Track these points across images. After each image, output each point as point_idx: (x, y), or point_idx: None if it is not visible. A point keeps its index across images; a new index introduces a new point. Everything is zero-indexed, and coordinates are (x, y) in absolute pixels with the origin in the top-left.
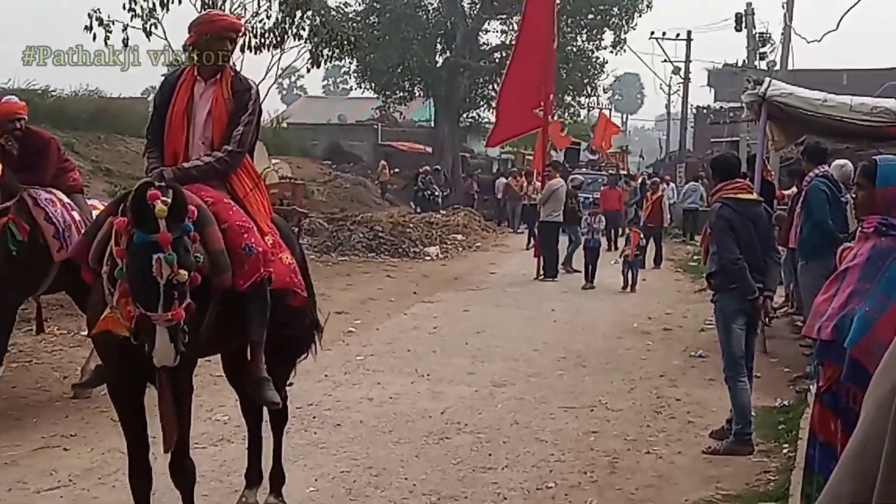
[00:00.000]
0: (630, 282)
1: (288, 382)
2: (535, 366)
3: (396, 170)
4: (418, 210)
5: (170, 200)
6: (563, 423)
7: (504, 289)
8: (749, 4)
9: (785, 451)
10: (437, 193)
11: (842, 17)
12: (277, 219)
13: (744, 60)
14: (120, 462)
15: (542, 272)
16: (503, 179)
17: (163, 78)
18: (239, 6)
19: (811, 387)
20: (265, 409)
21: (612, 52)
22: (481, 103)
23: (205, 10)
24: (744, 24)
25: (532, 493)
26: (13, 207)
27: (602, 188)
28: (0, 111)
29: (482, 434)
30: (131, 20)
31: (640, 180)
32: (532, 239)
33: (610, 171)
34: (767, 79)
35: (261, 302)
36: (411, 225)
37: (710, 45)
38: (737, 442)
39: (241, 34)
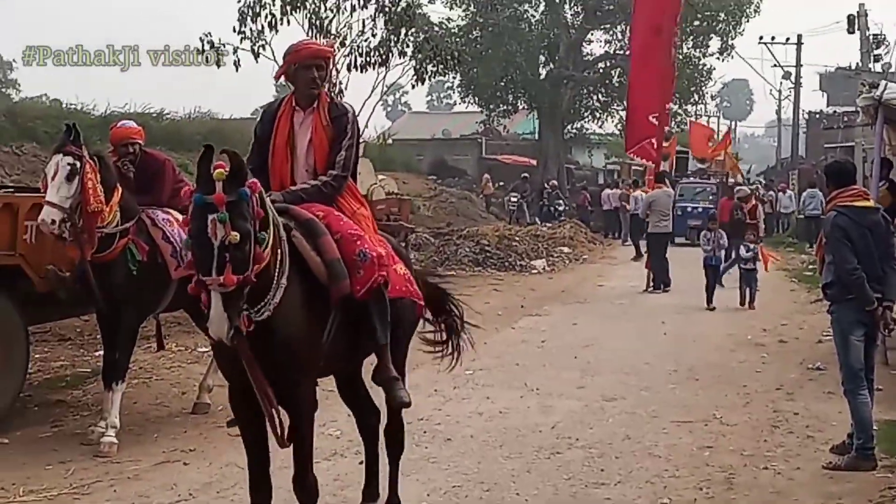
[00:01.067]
0: (748, 298)
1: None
2: (646, 379)
3: (501, 183)
4: (543, 224)
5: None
6: (676, 437)
7: (612, 301)
8: (862, 5)
9: None
10: (561, 208)
11: None
12: (386, 235)
13: (857, 63)
14: (238, 476)
15: (651, 284)
16: (609, 190)
17: (262, 110)
18: (345, 26)
19: None
20: (380, 430)
21: (719, 58)
22: (586, 114)
23: (312, 30)
24: (857, 26)
25: None
26: (132, 228)
27: (721, 199)
28: (115, 136)
29: (594, 449)
30: (241, 42)
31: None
32: (638, 250)
33: (718, 180)
34: (883, 81)
35: (381, 305)
36: (517, 238)
37: (821, 48)
38: (859, 457)
39: (330, 59)
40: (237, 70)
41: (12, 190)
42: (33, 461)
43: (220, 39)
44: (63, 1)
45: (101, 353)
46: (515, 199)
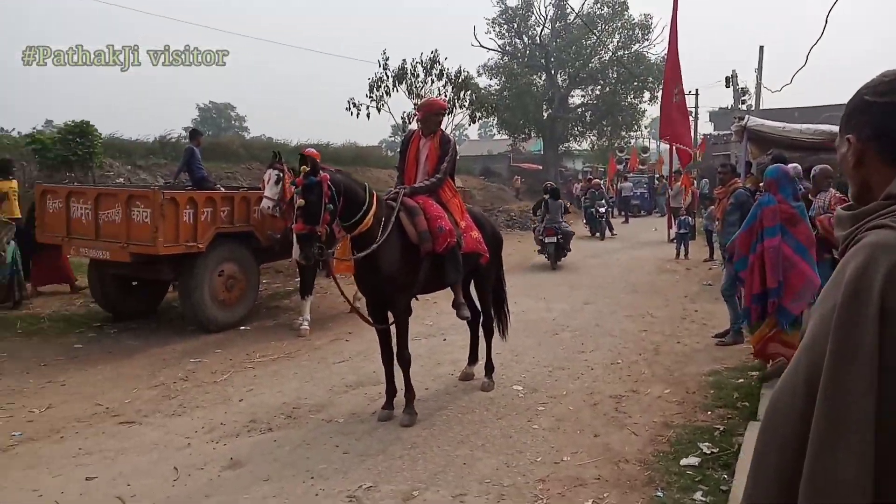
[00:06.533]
0: (683, 252)
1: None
2: (608, 291)
3: (522, 179)
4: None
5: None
6: (625, 325)
7: (587, 246)
8: (734, 70)
9: None
10: (603, 209)
11: (794, 75)
12: (477, 211)
13: (732, 105)
14: (376, 347)
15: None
16: (577, 184)
17: (403, 136)
18: (428, 91)
19: None
20: (480, 321)
21: (649, 103)
22: (570, 139)
23: (411, 98)
24: (731, 84)
25: (608, 366)
26: None
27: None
28: (305, 154)
29: (577, 331)
30: (370, 102)
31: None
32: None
33: (648, 176)
34: (747, 116)
35: (454, 259)
36: (531, 211)
37: (710, 95)
38: (734, 335)
39: (445, 110)
40: (368, 118)
41: (247, 189)
42: (263, 339)
43: (357, 101)
44: None
45: (298, 278)
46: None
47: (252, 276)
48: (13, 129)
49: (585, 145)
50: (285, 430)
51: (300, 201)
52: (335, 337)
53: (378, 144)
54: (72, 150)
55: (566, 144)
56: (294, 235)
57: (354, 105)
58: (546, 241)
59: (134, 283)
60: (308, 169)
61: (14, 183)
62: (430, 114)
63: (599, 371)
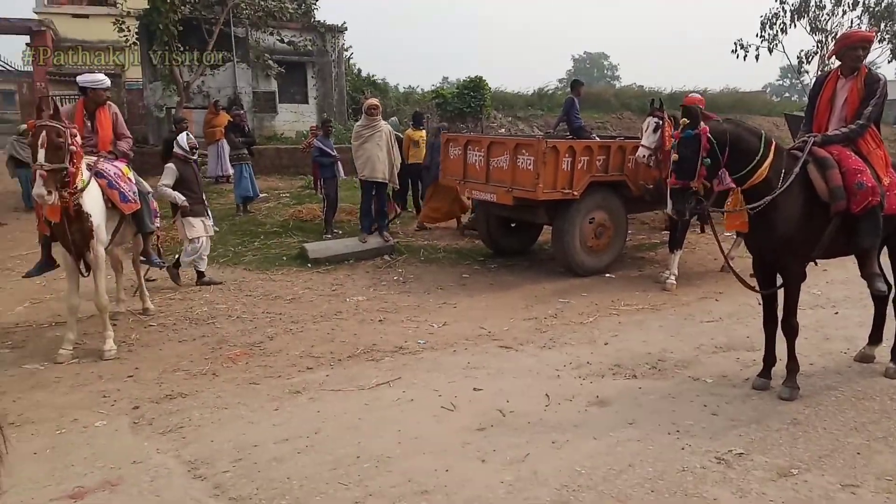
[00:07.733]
0: None
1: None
2: None
3: None
4: None
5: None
6: None
7: None
8: None
9: None
10: None
11: None
12: None
13: None
14: (749, 311)
15: None
16: None
17: (814, 79)
18: (837, 25)
19: None
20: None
21: None
22: None
23: (813, 34)
24: None
25: None
26: None
27: None
28: (686, 102)
29: None
30: (760, 42)
31: None
32: None
33: None
34: None
35: (871, 222)
36: None
37: None
38: None
39: (872, 42)
40: (757, 59)
41: (624, 138)
42: (628, 289)
43: (746, 41)
44: None
45: (666, 232)
46: None
47: (620, 225)
48: (418, 86)
49: None
50: (650, 380)
51: (674, 156)
52: (703, 295)
53: (762, 90)
54: (466, 102)
55: None
56: (668, 189)
57: (742, 46)
58: None
59: (512, 225)
60: (688, 122)
61: (423, 132)
62: (847, 48)
63: None
